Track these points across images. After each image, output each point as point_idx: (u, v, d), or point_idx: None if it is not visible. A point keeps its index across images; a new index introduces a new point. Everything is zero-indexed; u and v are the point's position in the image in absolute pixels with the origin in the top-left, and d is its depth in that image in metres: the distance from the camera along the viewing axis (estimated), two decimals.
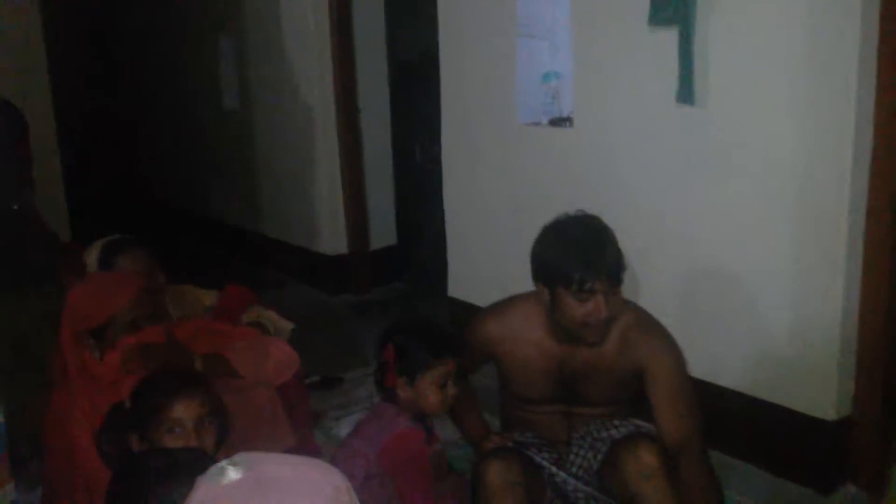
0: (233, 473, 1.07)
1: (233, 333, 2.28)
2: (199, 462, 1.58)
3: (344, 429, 2.86)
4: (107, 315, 2.17)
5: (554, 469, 2.12)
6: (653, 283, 2.77)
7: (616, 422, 2.14)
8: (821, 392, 2.41)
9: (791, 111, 2.35)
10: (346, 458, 2.07)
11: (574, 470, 2.13)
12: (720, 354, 2.66)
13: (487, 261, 3.51)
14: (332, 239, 4.65)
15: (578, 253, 1.94)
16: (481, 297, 3.01)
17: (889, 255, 2.32)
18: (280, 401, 2.26)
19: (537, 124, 3.17)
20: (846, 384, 2.41)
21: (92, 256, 2.56)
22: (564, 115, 3.09)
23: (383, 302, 4.56)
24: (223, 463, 1.08)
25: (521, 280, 2.21)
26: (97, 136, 7.28)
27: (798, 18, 2.29)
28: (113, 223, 2.86)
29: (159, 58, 6.41)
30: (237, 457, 1.10)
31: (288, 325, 2.68)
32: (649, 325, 2.14)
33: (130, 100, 7.08)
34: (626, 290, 2.07)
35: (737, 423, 2.61)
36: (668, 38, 2.54)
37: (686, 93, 2.50)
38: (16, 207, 3.16)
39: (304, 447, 2.48)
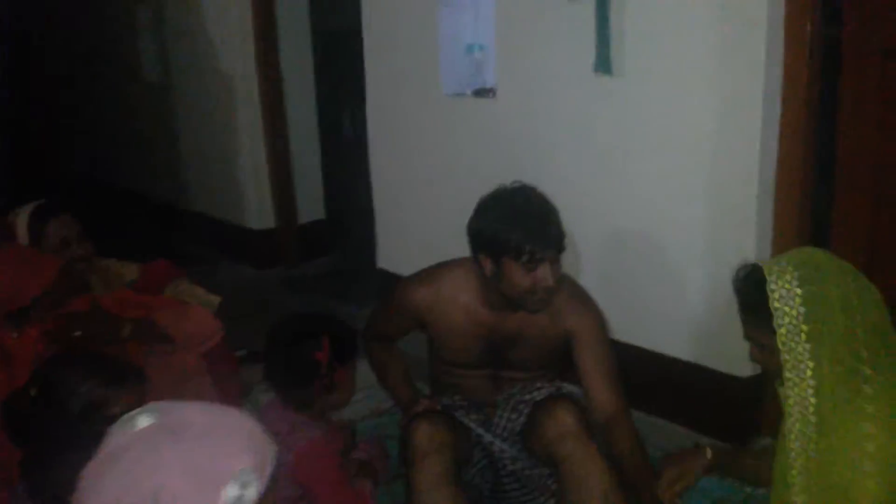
0: (144, 420, 1.07)
1: (155, 303, 2.26)
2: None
3: None
4: (29, 297, 2.12)
5: (481, 430, 2.16)
6: (575, 251, 2.83)
7: (539, 384, 2.19)
8: (735, 350, 2.50)
9: (704, 80, 2.43)
10: None
11: (499, 431, 2.18)
12: (641, 318, 2.74)
13: (415, 231, 3.53)
14: (258, 213, 4.59)
15: (528, 224, 1.95)
16: (410, 267, 2.99)
17: (796, 216, 2.43)
18: (205, 369, 2.25)
19: (462, 95, 3.19)
20: None
21: (20, 221, 2.49)
22: (488, 86, 3.12)
23: (313, 276, 4.54)
24: (134, 412, 1.08)
25: (449, 250, 2.23)
26: (12, 110, 7.00)
27: None
28: (33, 198, 2.76)
29: (77, 30, 6.19)
30: (147, 406, 1.10)
31: (215, 300, 2.66)
32: (577, 293, 2.19)
33: (47, 73, 6.83)
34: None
35: (658, 382, 2.71)
36: (587, 8, 2.58)
37: (603, 62, 2.55)
38: None
39: None
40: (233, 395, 2.57)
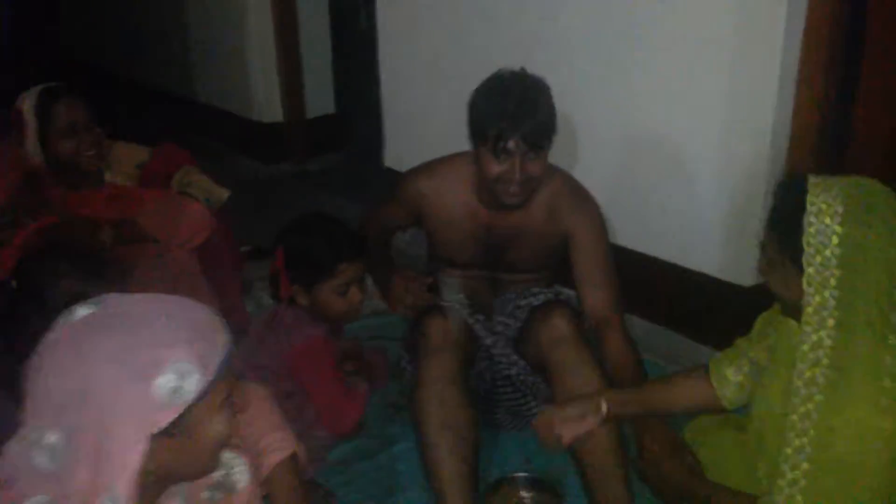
0: (83, 311, 1.04)
1: (142, 197, 2.19)
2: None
3: None
4: None
5: (483, 332, 2.11)
6: (588, 151, 2.76)
7: (536, 289, 2.15)
8: (741, 260, 2.47)
9: None
10: (257, 377, 1.89)
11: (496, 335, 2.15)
12: (651, 222, 2.69)
13: (424, 128, 3.45)
14: (266, 106, 4.51)
15: (500, 109, 1.86)
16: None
17: (815, 126, 2.34)
18: (198, 265, 2.21)
19: None
20: None
21: (27, 104, 2.39)
22: None
23: (320, 173, 4.49)
24: (77, 304, 1.05)
25: (457, 149, 2.16)
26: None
27: None
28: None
29: None
30: (93, 298, 1.07)
31: (223, 192, 2.59)
32: (577, 193, 2.12)
33: None
34: (564, 157, 2.03)
35: (663, 290, 2.68)
36: None
37: None
38: None
39: (233, 314, 2.48)
40: (233, 291, 2.56)
